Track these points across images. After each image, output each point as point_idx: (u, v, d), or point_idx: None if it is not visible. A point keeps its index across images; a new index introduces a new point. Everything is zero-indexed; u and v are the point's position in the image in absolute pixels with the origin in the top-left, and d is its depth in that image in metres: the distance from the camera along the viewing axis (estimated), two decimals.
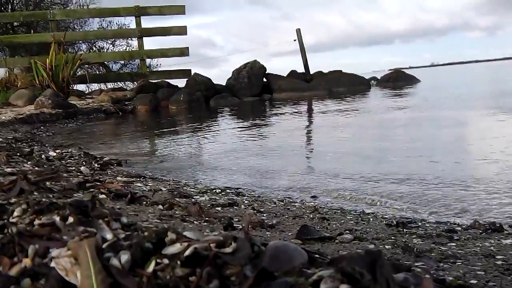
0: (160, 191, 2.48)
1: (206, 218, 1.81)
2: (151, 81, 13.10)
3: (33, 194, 1.55)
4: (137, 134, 6.78)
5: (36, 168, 2.71)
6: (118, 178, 2.88)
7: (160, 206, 1.93)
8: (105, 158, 3.93)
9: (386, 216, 2.20)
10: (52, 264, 0.79)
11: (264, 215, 2.11)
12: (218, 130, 6.60)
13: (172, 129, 7.12)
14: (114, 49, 18.34)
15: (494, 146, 3.81)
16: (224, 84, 13.80)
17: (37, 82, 11.61)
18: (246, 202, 2.44)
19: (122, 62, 17.92)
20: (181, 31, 13.80)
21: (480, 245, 1.63)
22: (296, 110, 9.29)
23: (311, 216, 2.12)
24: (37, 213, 0.99)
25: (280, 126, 6.65)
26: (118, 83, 16.13)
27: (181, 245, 0.78)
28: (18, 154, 3.50)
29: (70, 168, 3.08)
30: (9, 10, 16.69)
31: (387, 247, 1.56)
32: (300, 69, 15.05)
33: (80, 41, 17.50)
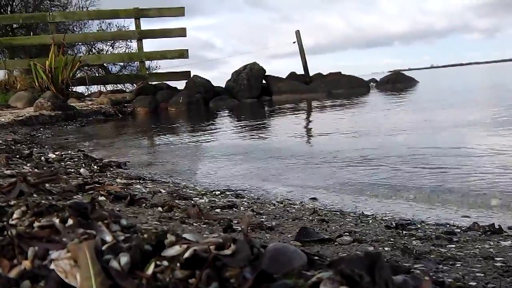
0: (160, 193, 2.48)
1: (206, 220, 1.81)
2: (150, 83, 13.12)
3: (32, 196, 1.55)
4: (136, 136, 6.78)
5: (36, 170, 2.71)
6: (118, 180, 2.88)
7: (160, 208, 1.93)
8: (105, 160, 3.93)
9: (385, 218, 2.20)
10: (52, 266, 0.79)
11: (264, 217, 2.11)
12: (217, 132, 6.60)
13: (171, 131, 7.12)
14: (114, 51, 18.37)
15: (493, 149, 3.81)
16: (223, 86, 13.82)
17: (37, 84, 11.62)
18: (245, 204, 2.44)
19: (122, 64, 17.94)
20: (181, 33, 13.81)
21: (480, 247, 1.63)
22: (296, 112, 9.29)
23: (311, 218, 2.12)
24: (37, 215, 0.99)
25: (279, 128, 6.65)
26: (118, 85, 16.13)
27: (181, 247, 0.78)
28: (18, 156, 3.50)
29: (70, 170, 3.08)
30: (8, 12, 16.69)
31: (386, 249, 1.56)
32: (300, 71, 15.07)
33: (80, 43, 17.50)
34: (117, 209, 1.72)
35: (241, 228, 1.70)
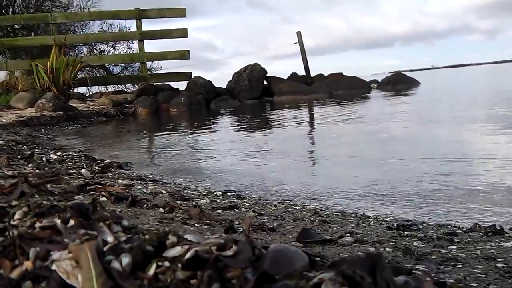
0: (161, 194, 2.48)
1: (207, 221, 1.81)
2: (151, 84, 13.11)
3: (34, 197, 1.55)
4: (137, 137, 6.78)
5: (37, 170, 2.72)
6: (119, 181, 2.88)
7: (161, 209, 1.93)
8: (106, 161, 3.93)
9: (386, 219, 2.20)
10: (53, 267, 0.79)
11: (265, 218, 2.11)
12: (218, 133, 6.60)
13: (172, 132, 7.12)
14: (115, 52, 18.37)
15: (494, 150, 3.81)
16: (224, 87, 13.82)
17: (38, 85, 11.63)
18: (246, 205, 2.44)
19: (123, 65, 17.94)
20: (182, 34, 13.82)
21: (481, 248, 1.62)
22: (297, 113, 9.29)
23: (312, 219, 2.12)
24: (38, 216, 0.99)
25: (281, 129, 6.65)
26: (119, 86, 16.14)
27: (182, 248, 0.78)
28: (19, 156, 3.50)
29: (71, 170, 3.08)
30: (10, 13, 16.70)
31: (387, 250, 1.56)
32: (301, 72, 15.09)
33: (81, 44, 17.51)
34: (119, 210, 1.72)
35: (243, 229, 1.70)
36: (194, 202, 2.31)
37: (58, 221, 0.94)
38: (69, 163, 3.62)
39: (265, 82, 14.04)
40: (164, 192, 2.58)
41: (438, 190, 2.70)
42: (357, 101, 10.97)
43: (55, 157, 3.84)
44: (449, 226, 2.05)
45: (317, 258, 0.85)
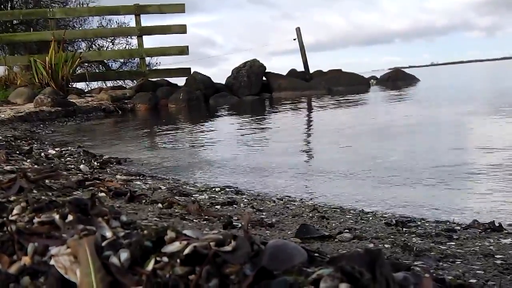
0: (160, 190, 2.48)
1: (206, 217, 1.81)
2: (150, 79, 13.09)
3: (32, 192, 1.55)
4: (136, 133, 6.77)
5: (36, 166, 2.71)
6: (118, 176, 2.88)
7: (160, 205, 1.93)
8: (105, 157, 3.93)
9: (385, 215, 2.20)
10: (52, 262, 0.79)
11: (264, 213, 2.11)
12: (217, 129, 6.60)
13: (171, 127, 7.12)
14: (114, 47, 18.32)
15: (493, 145, 3.81)
16: (223, 83, 13.80)
17: (37, 80, 11.61)
18: (245, 200, 2.44)
19: (122, 60, 17.88)
20: (181, 29, 13.79)
21: (480, 244, 1.63)
22: (296, 109, 9.29)
23: (311, 215, 2.12)
24: (37, 211, 0.99)
25: (280, 125, 6.65)
26: (118, 81, 16.10)
27: (181, 244, 0.78)
28: (18, 152, 3.50)
29: (70, 166, 3.07)
30: (9, 8, 16.65)
31: (386, 246, 1.56)
32: (300, 68, 15.06)
33: (80, 40, 17.47)
34: (117, 205, 1.72)
35: (241, 225, 1.70)
36: (192, 198, 2.31)
37: (57, 217, 0.94)
38: (68, 158, 3.62)
39: (264, 78, 14.01)
40: (163, 187, 2.58)
41: (437, 185, 2.70)
42: (356, 101, 10.97)
43: (54, 152, 3.84)
44: (448, 223, 2.05)
45: (316, 254, 0.85)
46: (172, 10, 13.91)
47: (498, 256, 1.44)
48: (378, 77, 16.84)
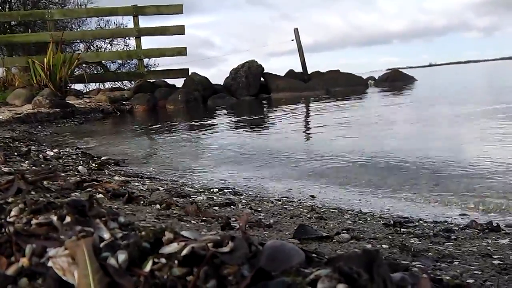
0: (158, 191, 2.48)
1: (204, 218, 1.81)
2: (148, 80, 13.08)
3: (30, 193, 1.55)
4: (134, 134, 6.77)
5: (34, 167, 2.71)
6: (116, 177, 2.88)
7: (158, 206, 1.93)
8: (103, 158, 3.93)
9: (383, 216, 2.20)
10: (50, 264, 0.79)
11: (262, 214, 2.11)
12: (215, 130, 6.60)
13: (169, 128, 7.12)
14: (112, 48, 18.31)
15: (490, 145, 3.81)
16: (221, 83, 13.79)
17: (35, 82, 11.58)
18: (243, 201, 2.44)
19: (120, 61, 17.87)
20: (179, 30, 13.78)
21: (477, 244, 1.63)
22: (294, 110, 9.29)
23: (309, 215, 2.12)
24: (35, 212, 0.99)
25: (278, 126, 6.65)
26: (116, 82, 16.09)
27: (179, 245, 0.78)
28: (16, 153, 3.49)
29: (68, 167, 3.07)
30: (7, 10, 16.64)
31: (384, 246, 1.56)
32: (298, 68, 15.06)
33: (78, 41, 17.46)
34: (115, 206, 1.72)
35: (239, 226, 1.70)
36: (190, 199, 2.31)
37: (55, 218, 0.94)
38: (66, 160, 3.62)
39: (262, 79, 14.01)
40: (161, 189, 2.58)
41: (435, 186, 2.70)
42: (354, 101, 10.99)
43: (52, 154, 3.84)
44: (446, 223, 2.06)
45: (314, 255, 0.85)
46: (170, 11, 13.90)
47: (495, 256, 1.45)
48: (376, 77, 16.84)
